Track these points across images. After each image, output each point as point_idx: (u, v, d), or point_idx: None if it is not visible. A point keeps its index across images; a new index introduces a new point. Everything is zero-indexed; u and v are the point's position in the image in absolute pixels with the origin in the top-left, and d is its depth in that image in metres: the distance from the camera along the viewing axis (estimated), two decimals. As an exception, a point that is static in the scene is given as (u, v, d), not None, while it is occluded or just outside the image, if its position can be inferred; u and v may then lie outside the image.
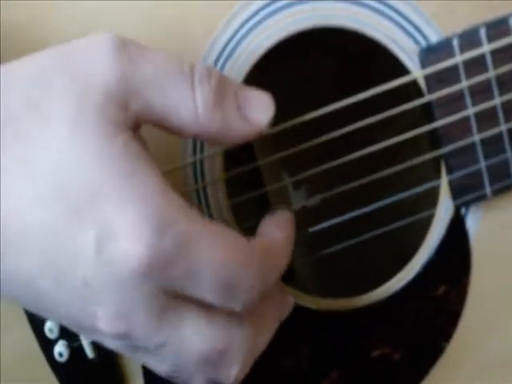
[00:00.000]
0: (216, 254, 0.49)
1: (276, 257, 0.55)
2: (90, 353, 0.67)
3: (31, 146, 0.48)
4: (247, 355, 0.54)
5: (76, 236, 0.47)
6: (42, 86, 0.49)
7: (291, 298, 0.59)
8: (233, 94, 0.54)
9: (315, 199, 0.68)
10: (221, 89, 0.53)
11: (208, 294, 0.50)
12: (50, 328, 0.66)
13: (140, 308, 0.49)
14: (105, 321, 0.50)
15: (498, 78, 0.59)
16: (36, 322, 0.66)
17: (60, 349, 0.67)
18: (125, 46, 0.50)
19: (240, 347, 0.53)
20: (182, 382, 0.54)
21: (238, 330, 0.53)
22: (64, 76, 0.49)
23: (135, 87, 0.50)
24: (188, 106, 0.51)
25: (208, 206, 0.63)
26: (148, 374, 0.67)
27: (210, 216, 0.63)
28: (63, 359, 0.67)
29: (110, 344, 0.53)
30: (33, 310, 0.54)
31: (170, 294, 0.50)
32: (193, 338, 0.51)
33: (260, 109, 0.55)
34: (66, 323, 0.53)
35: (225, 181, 0.63)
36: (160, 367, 0.53)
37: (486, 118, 0.60)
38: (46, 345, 0.67)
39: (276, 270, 0.55)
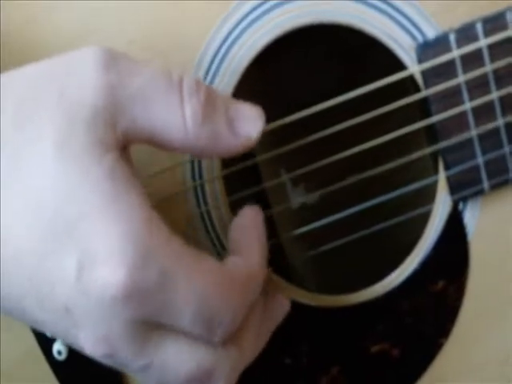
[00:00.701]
0: (197, 290, 0.49)
1: (255, 280, 0.55)
2: (88, 351, 0.67)
3: (17, 166, 0.48)
4: (232, 371, 0.53)
5: (58, 261, 0.47)
6: (30, 104, 0.49)
7: (285, 303, 0.60)
8: (222, 107, 0.53)
9: (314, 197, 0.68)
10: (210, 102, 0.52)
11: (186, 327, 0.50)
12: (49, 326, 0.66)
13: (120, 334, 0.49)
14: (87, 344, 0.50)
15: (495, 72, 0.59)
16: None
17: (59, 347, 0.67)
18: (113, 61, 0.50)
19: (224, 365, 0.53)
20: None
21: (220, 349, 0.52)
22: (52, 93, 0.49)
23: (123, 103, 0.49)
24: (177, 121, 0.51)
25: (206, 203, 0.63)
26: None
27: (209, 214, 0.63)
28: (62, 357, 0.67)
29: (100, 360, 0.53)
30: (24, 323, 0.54)
31: (151, 322, 0.50)
32: (176, 360, 0.51)
33: (249, 122, 0.54)
34: (56, 338, 0.54)
35: (223, 178, 0.63)
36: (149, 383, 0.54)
37: (484, 113, 0.60)
38: (45, 343, 0.67)
39: (256, 290, 0.55)
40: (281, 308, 0.60)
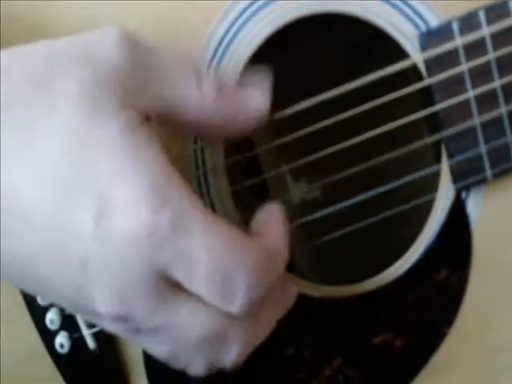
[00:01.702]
0: (212, 243, 0.49)
1: (276, 259, 0.55)
2: (91, 344, 0.67)
3: (32, 123, 0.48)
4: (247, 339, 0.53)
5: (74, 214, 0.47)
6: (47, 66, 0.49)
7: (294, 290, 0.59)
8: (232, 87, 0.55)
9: (316, 190, 0.68)
10: (222, 84, 0.54)
11: (203, 288, 0.50)
12: (51, 319, 0.66)
13: (138, 288, 0.49)
14: (103, 302, 0.49)
15: (498, 60, 0.59)
16: (37, 314, 0.66)
17: (61, 340, 0.67)
18: (134, 39, 0.51)
19: (239, 331, 0.52)
20: (182, 366, 0.54)
21: (235, 319, 0.52)
22: (72, 56, 0.49)
23: (143, 73, 0.51)
24: (195, 95, 0.52)
25: (209, 194, 0.63)
26: (149, 363, 0.67)
27: (212, 203, 0.63)
28: (64, 350, 0.67)
29: (109, 327, 0.53)
30: (31, 291, 0.53)
31: (168, 278, 0.49)
32: (191, 320, 0.51)
33: (258, 94, 0.56)
34: (64, 305, 0.53)
35: (226, 170, 0.63)
36: (159, 351, 0.53)
37: (486, 101, 0.60)
38: (47, 336, 0.67)
39: (276, 274, 0.54)
40: (290, 296, 0.59)
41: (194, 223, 0.49)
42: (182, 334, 0.51)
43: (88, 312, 0.51)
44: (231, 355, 0.53)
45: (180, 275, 0.49)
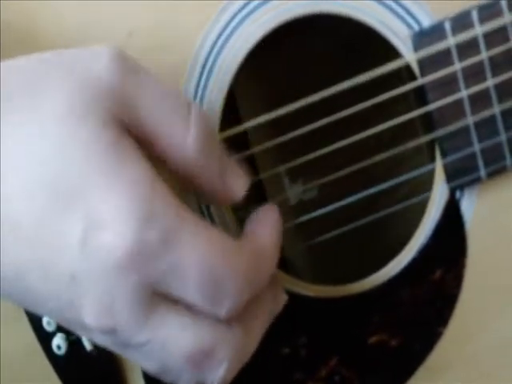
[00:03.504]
0: (201, 253, 0.49)
1: (265, 260, 0.55)
2: (88, 345, 0.67)
3: (20, 134, 0.48)
4: (235, 356, 0.53)
5: (61, 229, 0.47)
6: (39, 77, 0.49)
7: (284, 296, 0.59)
8: (218, 150, 0.54)
9: (312, 190, 0.68)
10: (211, 138, 0.53)
11: (193, 296, 0.50)
12: (48, 321, 0.66)
13: (125, 302, 0.49)
14: (91, 315, 0.49)
15: (491, 59, 0.59)
16: (34, 315, 0.66)
17: (58, 341, 0.67)
18: (126, 59, 0.51)
19: (227, 347, 0.52)
20: (170, 381, 0.54)
21: (224, 330, 0.52)
22: (61, 69, 0.49)
23: (134, 96, 0.50)
24: (181, 130, 0.51)
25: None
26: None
27: (207, 205, 0.63)
28: (61, 352, 0.67)
29: (98, 340, 0.52)
30: (22, 305, 0.53)
31: (156, 292, 0.49)
32: (178, 336, 0.51)
33: (238, 178, 0.56)
34: (52, 318, 0.53)
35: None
36: (148, 365, 0.53)
37: (480, 100, 0.60)
38: (44, 337, 0.67)
39: (265, 275, 0.54)
40: (278, 301, 0.59)
41: (181, 236, 0.48)
42: (169, 348, 0.51)
43: (77, 325, 0.51)
44: (219, 372, 0.53)
45: (169, 287, 0.49)
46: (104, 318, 0.49)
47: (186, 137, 0.51)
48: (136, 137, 0.51)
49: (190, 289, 0.49)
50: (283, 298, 0.59)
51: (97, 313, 0.49)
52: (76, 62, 0.50)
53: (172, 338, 0.50)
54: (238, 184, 0.55)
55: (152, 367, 0.53)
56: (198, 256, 0.49)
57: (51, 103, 0.48)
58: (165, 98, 0.51)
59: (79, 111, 0.48)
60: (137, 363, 0.54)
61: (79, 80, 0.49)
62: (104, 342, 0.52)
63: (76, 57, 0.50)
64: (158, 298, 0.49)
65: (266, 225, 0.57)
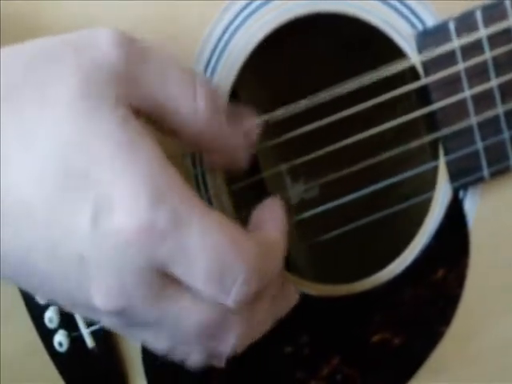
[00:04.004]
0: (211, 238, 0.49)
1: (274, 252, 0.55)
2: (89, 342, 0.67)
3: (31, 118, 0.48)
4: (244, 329, 0.53)
5: (72, 209, 0.47)
6: (45, 60, 0.49)
7: (296, 295, 0.59)
8: (223, 108, 0.55)
9: (314, 189, 0.68)
10: (217, 99, 0.54)
11: (200, 281, 0.50)
12: (50, 318, 0.66)
13: (136, 284, 0.49)
14: (100, 297, 0.49)
15: (495, 59, 0.59)
16: (36, 312, 0.66)
17: (60, 338, 0.67)
18: (130, 39, 0.51)
19: (236, 320, 0.52)
20: (180, 357, 0.54)
21: (233, 310, 0.52)
22: (68, 52, 0.49)
23: (139, 75, 0.50)
24: (188, 103, 0.52)
25: (207, 192, 0.63)
26: (148, 361, 0.67)
27: (210, 202, 0.63)
28: (63, 349, 0.67)
29: (106, 321, 0.52)
30: (28, 287, 0.53)
31: (166, 274, 0.49)
32: (191, 309, 0.51)
33: (247, 121, 0.57)
34: (59, 301, 0.52)
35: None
36: (158, 343, 0.53)
37: (483, 100, 0.60)
38: (46, 335, 0.67)
39: (274, 267, 0.54)
40: (292, 298, 0.59)
41: (191, 218, 0.48)
42: (182, 322, 0.51)
43: (85, 307, 0.51)
44: (229, 344, 0.53)
45: (178, 270, 0.49)
46: (114, 298, 0.49)
47: (195, 107, 0.52)
48: (146, 114, 0.51)
49: (197, 274, 0.49)
50: (294, 295, 0.59)
51: (106, 294, 0.49)
52: (81, 45, 0.50)
53: (184, 312, 0.51)
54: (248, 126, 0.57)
55: (162, 345, 0.53)
56: (207, 240, 0.49)
57: (60, 88, 0.48)
58: (169, 72, 0.52)
59: (88, 98, 0.48)
60: (145, 343, 0.54)
61: (86, 65, 0.49)
62: (112, 323, 0.52)
63: (80, 39, 0.51)
64: (167, 278, 0.50)
65: (273, 218, 0.57)
